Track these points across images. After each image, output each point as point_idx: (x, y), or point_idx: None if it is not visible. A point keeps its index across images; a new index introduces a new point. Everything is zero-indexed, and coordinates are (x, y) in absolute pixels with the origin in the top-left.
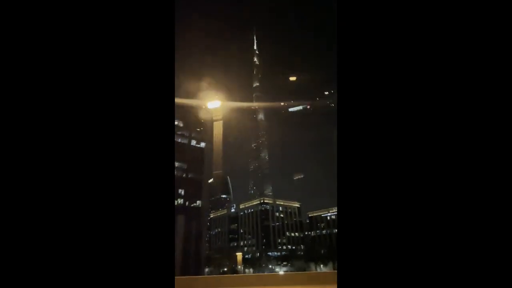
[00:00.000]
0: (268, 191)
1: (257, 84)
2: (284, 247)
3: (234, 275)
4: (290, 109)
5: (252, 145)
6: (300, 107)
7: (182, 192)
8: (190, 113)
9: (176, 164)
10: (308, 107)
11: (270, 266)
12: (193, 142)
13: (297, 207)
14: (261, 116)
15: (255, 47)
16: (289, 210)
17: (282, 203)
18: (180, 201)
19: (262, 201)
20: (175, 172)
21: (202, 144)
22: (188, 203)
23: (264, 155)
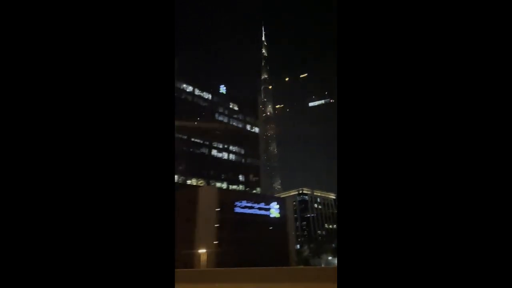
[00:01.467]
0: (277, 184)
1: (265, 76)
2: (325, 239)
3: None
4: (311, 104)
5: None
6: (322, 101)
7: (242, 178)
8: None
9: (234, 148)
10: (332, 101)
11: (329, 258)
12: (248, 127)
13: (333, 198)
14: (269, 108)
15: (263, 38)
16: (326, 202)
17: (319, 194)
18: (241, 187)
19: (300, 192)
20: (234, 157)
21: (256, 129)
22: (249, 189)
23: (273, 148)
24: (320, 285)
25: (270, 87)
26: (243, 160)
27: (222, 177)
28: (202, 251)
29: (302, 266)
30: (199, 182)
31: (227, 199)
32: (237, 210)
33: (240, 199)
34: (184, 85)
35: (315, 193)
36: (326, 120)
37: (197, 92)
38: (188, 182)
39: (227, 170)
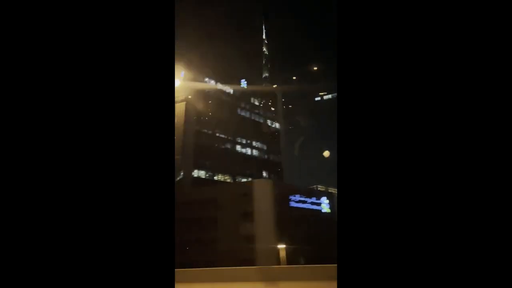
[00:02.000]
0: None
1: (267, 74)
2: None
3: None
4: (325, 97)
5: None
6: (330, 96)
7: (266, 175)
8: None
9: (258, 144)
10: None
11: None
12: (268, 122)
13: None
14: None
15: (264, 36)
16: None
17: (333, 191)
18: None
19: (315, 188)
20: (257, 153)
21: (277, 125)
22: None
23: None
24: (319, 284)
25: (296, 77)
26: (265, 156)
27: (247, 173)
28: (281, 246)
29: (302, 265)
30: (225, 177)
31: (281, 193)
32: (292, 204)
33: (293, 193)
34: (207, 79)
35: (329, 190)
36: (329, 115)
37: (219, 86)
38: (215, 178)
39: (251, 166)
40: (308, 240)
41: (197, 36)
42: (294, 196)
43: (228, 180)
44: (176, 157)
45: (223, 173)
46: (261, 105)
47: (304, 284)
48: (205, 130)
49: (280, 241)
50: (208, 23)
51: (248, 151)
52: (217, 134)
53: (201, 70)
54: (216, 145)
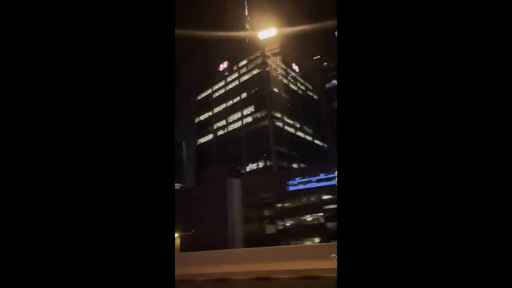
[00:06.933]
0: None
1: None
2: None
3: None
4: (328, 85)
5: None
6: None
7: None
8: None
9: None
10: None
11: None
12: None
13: None
14: None
15: (246, 13)
16: None
17: None
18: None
19: None
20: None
21: None
22: None
23: None
24: (318, 262)
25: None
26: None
27: None
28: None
29: (300, 244)
30: None
31: None
32: None
33: None
34: None
35: None
36: None
37: None
38: None
39: None
40: None
41: None
42: None
43: None
44: None
45: None
46: None
47: (302, 263)
48: None
49: None
50: None
51: None
52: None
53: None
54: None
